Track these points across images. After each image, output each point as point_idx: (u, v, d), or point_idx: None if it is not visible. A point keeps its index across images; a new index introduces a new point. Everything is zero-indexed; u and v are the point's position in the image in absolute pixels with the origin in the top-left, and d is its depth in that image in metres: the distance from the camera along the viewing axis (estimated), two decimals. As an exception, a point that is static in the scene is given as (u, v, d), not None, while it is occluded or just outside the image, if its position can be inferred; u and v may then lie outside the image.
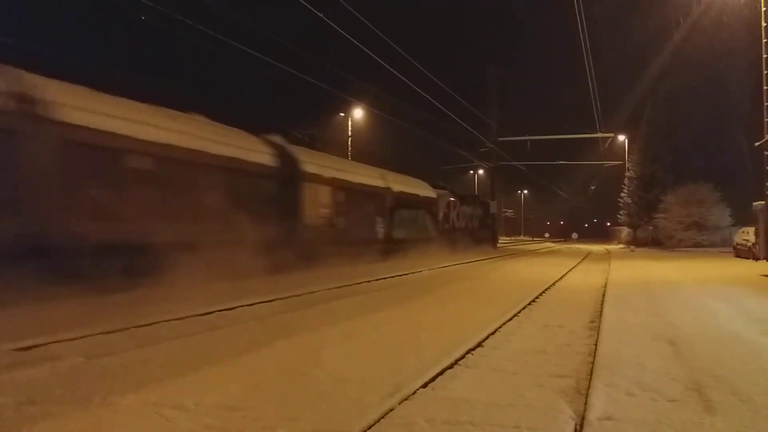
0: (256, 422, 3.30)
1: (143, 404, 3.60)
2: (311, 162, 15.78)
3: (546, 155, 52.77)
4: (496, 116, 38.69)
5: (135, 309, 7.20)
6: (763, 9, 16.75)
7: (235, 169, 12.44)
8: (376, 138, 35.39)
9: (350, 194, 17.47)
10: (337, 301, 8.84)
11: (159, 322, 6.45)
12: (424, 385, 4.03)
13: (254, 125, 14.63)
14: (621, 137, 42.75)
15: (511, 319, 7.07)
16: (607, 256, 27.47)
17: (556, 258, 25.08)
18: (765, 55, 17.05)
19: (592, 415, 3.36)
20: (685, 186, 38.65)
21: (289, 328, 6.25)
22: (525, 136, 38.48)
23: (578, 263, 20.40)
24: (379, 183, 20.05)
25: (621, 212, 47.51)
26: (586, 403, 3.61)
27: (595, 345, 5.40)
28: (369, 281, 11.89)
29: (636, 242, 42.50)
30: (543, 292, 10.21)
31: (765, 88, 17.16)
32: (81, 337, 5.55)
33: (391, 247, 19.83)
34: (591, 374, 4.33)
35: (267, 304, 8.31)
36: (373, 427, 3.21)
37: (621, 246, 47.43)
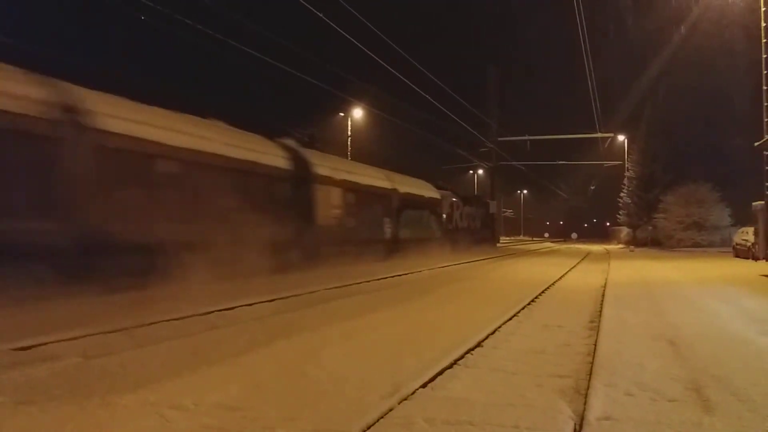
0: (256, 422, 3.29)
1: (142, 404, 3.59)
2: (323, 165, 16.31)
3: (546, 155, 52.90)
4: (496, 116, 38.74)
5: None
6: (763, 9, 16.75)
7: (252, 172, 13.03)
8: (375, 138, 35.44)
9: (359, 195, 18.03)
10: (337, 300, 8.83)
11: (158, 322, 6.45)
12: (424, 385, 4.03)
13: (254, 125, 14.74)
14: (620, 137, 42.84)
15: (510, 319, 7.07)
16: (607, 256, 27.48)
17: (556, 258, 25.09)
18: (765, 55, 17.05)
19: (592, 415, 3.36)
20: (685, 186, 38.68)
21: (289, 328, 6.25)
22: (525, 136, 38.53)
23: (578, 263, 20.40)
24: (386, 184, 20.59)
25: (620, 212, 47.53)
26: (585, 403, 3.61)
27: (595, 345, 5.40)
28: (370, 281, 11.99)
29: (635, 242, 42.52)
30: (542, 292, 10.21)
31: (765, 88, 17.16)
32: (80, 337, 5.54)
33: (397, 247, 20.41)
34: (590, 374, 4.33)
35: (267, 303, 8.31)
36: (372, 427, 3.21)
37: (620, 246, 47.45)
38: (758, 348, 5.35)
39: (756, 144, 18.15)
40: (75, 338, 5.50)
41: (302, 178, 15.12)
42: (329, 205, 16.30)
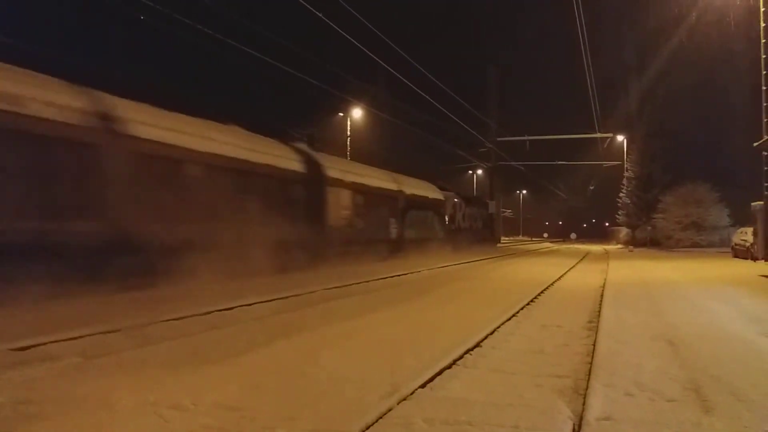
0: (255, 422, 3.29)
1: (141, 404, 3.59)
2: (334, 168, 17.06)
3: (545, 155, 52.85)
4: (495, 116, 38.75)
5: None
6: (762, 10, 16.76)
7: (269, 175, 13.68)
8: (375, 138, 35.41)
9: (368, 197, 18.71)
10: (336, 300, 8.84)
11: (157, 322, 6.44)
12: (423, 386, 4.03)
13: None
14: (620, 137, 42.80)
15: (509, 319, 7.07)
16: (606, 256, 27.49)
17: (555, 258, 25.10)
18: (764, 56, 17.06)
19: (591, 415, 3.36)
20: (684, 186, 38.70)
21: (288, 328, 6.25)
22: (524, 136, 38.54)
23: (577, 263, 20.41)
24: (392, 186, 21.28)
25: (619, 212, 47.52)
26: (584, 403, 3.61)
27: (594, 345, 5.40)
28: (375, 280, 12.29)
29: (634, 242, 42.52)
30: (542, 292, 10.22)
31: (764, 88, 17.17)
32: (79, 337, 5.54)
33: (402, 247, 21.04)
34: (589, 374, 4.33)
35: (266, 303, 8.31)
36: (371, 427, 3.21)
37: (619, 246, 47.47)
38: (757, 348, 5.36)
39: (755, 144, 18.16)
40: (74, 338, 5.49)
41: (315, 180, 15.77)
42: (340, 206, 16.95)
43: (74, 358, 4.87)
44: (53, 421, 3.30)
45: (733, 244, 25.37)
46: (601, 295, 9.51)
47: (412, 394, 3.82)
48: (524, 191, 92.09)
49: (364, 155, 28.40)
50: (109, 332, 5.85)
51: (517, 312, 7.63)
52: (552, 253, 31.23)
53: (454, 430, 3.21)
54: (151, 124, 10.44)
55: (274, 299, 8.61)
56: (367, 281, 11.88)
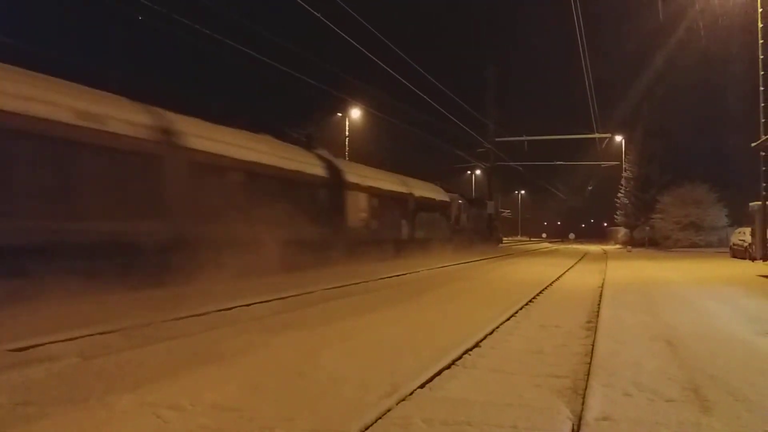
0: (253, 422, 3.29)
1: (139, 405, 3.59)
2: (351, 172, 18.29)
3: (543, 156, 52.84)
4: (494, 116, 38.73)
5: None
6: (760, 10, 16.79)
7: (297, 180, 14.96)
8: (374, 138, 35.41)
9: (382, 200, 19.96)
10: (336, 300, 8.84)
11: (155, 323, 6.43)
12: (422, 386, 4.02)
13: (254, 125, 15.04)
14: (618, 138, 42.72)
15: (509, 319, 7.08)
16: (604, 256, 27.52)
17: (554, 258, 25.13)
18: (762, 56, 17.08)
19: (590, 415, 3.36)
20: (682, 186, 38.76)
21: (288, 328, 6.25)
22: (522, 136, 38.53)
23: (575, 263, 20.43)
24: (403, 189, 22.50)
25: (618, 212, 47.62)
26: (583, 404, 3.62)
27: (593, 345, 5.41)
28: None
29: (633, 242, 42.57)
30: (541, 292, 10.22)
31: (762, 89, 17.19)
32: (78, 338, 5.53)
33: (411, 246, 22.19)
34: (588, 374, 4.33)
35: (265, 303, 8.31)
36: (370, 428, 3.21)
37: (618, 246, 47.53)
38: (756, 348, 5.36)
39: (753, 144, 18.18)
40: (73, 338, 5.48)
41: (336, 184, 17.03)
42: (357, 208, 18.27)
43: (73, 358, 4.86)
44: (52, 422, 3.29)
45: (732, 244, 25.40)
46: (600, 296, 9.52)
47: (411, 394, 3.82)
48: (523, 191, 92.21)
49: (363, 155, 28.44)
50: (108, 332, 5.85)
51: (516, 312, 7.63)
52: (551, 254, 31.25)
53: (453, 430, 3.20)
54: (202, 136, 11.75)
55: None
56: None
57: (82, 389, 3.93)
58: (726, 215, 38.08)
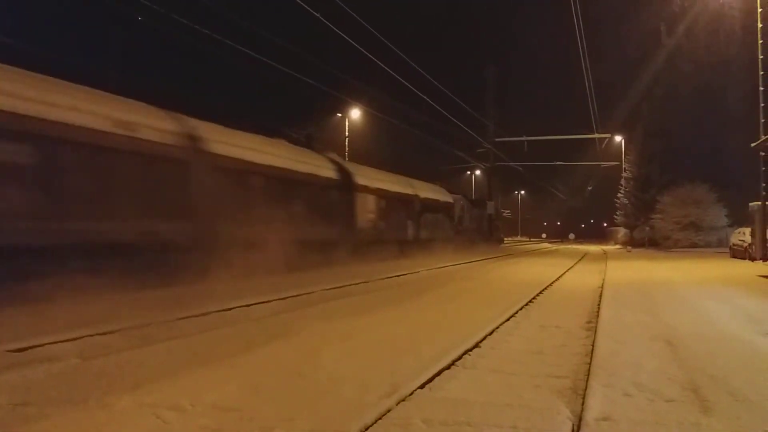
0: (253, 423, 3.29)
1: (139, 405, 3.59)
2: (360, 174, 18.90)
3: (543, 156, 52.84)
4: (494, 117, 38.76)
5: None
6: (760, 11, 16.79)
7: (308, 182, 15.47)
8: (373, 138, 35.41)
9: (389, 201, 20.63)
10: (335, 300, 8.84)
11: (154, 323, 6.43)
12: (422, 386, 4.02)
13: (253, 125, 15.12)
14: (618, 138, 42.74)
15: (508, 319, 7.08)
16: (604, 256, 27.52)
17: (554, 258, 25.13)
18: (761, 57, 17.09)
19: (589, 415, 3.36)
20: (682, 186, 38.73)
21: (288, 328, 6.24)
22: (522, 136, 38.54)
23: (575, 263, 20.43)
24: (409, 191, 23.14)
25: (618, 213, 47.59)
26: (583, 404, 3.61)
27: (592, 345, 5.41)
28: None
29: (633, 243, 42.56)
30: (540, 292, 10.22)
31: (761, 89, 17.20)
32: (78, 338, 5.53)
33: (417, 246, 22.86)
34: (588, 374, 4.33)
35: (266, 304, 8.31)
36: (370, 428, 3.21)
37: (618, 246, 47.53)
38: (755, 348, 5.36)
39: (752, 145, 18.19)
40: (73, 339, 5.48)
41: (346, 186, 17.66)
42: (366, 210, 18.93)
43: (72, 359, 4.86)
44: (52, 423, 3.30)
45: (731, 244, 25.39)
46: (600, 296, 9.52)
47: (411, 394, 3.82)
48: (522, 192, 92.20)
49: (362, 155, 28.43)
50: (109, 333, 5.85)
51: (516, 312, 7.63)
52: (550, 254, 31.25)
53: (452, 430, 3.20)
54: (222, 141, 12.33)
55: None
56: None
57: (82, 390, 3.93)
58: (726, 215, 38.06)
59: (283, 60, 16.23)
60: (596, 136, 36.67)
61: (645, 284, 11.97)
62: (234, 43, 14.66)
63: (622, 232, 51.14)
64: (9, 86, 8.01)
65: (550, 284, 11.78)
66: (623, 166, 44.89)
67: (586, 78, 27.29)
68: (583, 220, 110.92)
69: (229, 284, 9.99)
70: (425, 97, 22.47)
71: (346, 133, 32.45)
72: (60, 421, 3.32)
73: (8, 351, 4.95)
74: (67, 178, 8.79)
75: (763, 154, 18.35)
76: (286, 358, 4.90)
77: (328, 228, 15.89)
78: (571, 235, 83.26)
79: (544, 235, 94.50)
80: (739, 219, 31.12)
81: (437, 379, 4.27)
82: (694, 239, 37.63)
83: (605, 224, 78.73)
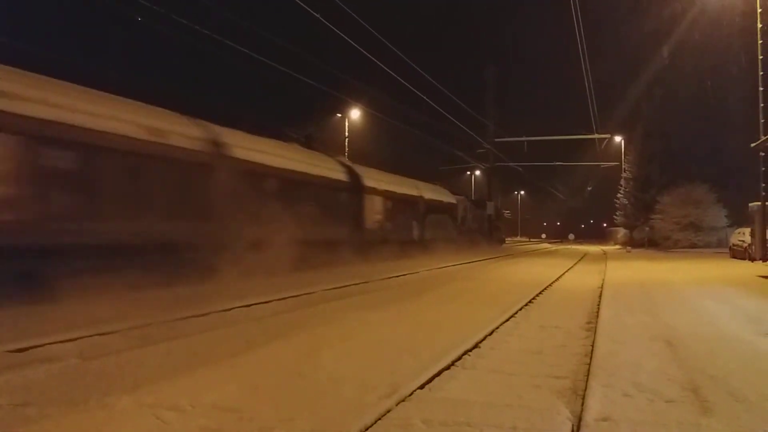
0: (253, 423, 3.29)
1: (139, 405, 3.59)
2: (369, 177, 19.62)
3: (543, 156, 52.91)
4: (493, 117, 38.77)
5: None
6: (759, 11, 16.80)
7: (321, 185, 16.25)
8: (373, 138, 35.41)
9: (396, 203, 21.38)
10: (336, 301, 8.84)
11: (153, 324, 6.43)
12: (422, 386, 4.03)
13: (252, 125, 15.22)
14: (617, 138, 42.75)
15: (508, 319, 7.08)
16: (604, 256, 27.51)
17: (554, 259, 25.12)
18: (761, 57, 17.10)
19: (589, 415, 3.36)
20: (682, 187, 38.68)
21: (287, 328, 6.25)
22: (522, 137, 38.56)
23: (575, 264, 20.43)
24: (414, 192, 23.81)
25: (617, 213, 47.54)
26: (582, 404, 3.62)
27: (592, 346, 5.41)
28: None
29: (632, 243, 42.54)
30: (540, 292, 10.22)
31: (761, 89, 17.21)
32: (77, 338, 5.53)
33: (422, 246, 23.42)
34: (588, 375, 4.33)
35: (266, 304, 8.31)
36: (370, 428, 3.21)
37: (617, 247, 47.50)
38: (755, 348, 5.36)
39: (752, 145, 18.19)
40: (73, 339, 5.48)
41: (355, 188, 18.35)
42: (374, 211, 19.67)
43: (73, 359, 4.86)
44: (52, 423, 3.30)
45: (731, 244, 25.38)
46: (600, 296, 9.52)
47: (411, 394, 3.82)
48: (522, 192, 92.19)
49: (362, 156, 28.42)
50: (109, 333, 5.85)
51: (516, 312, 7.63)
52: (550, 254, 31.25)
53: (452, 431, 3.21)
54: (242, 146, 13.03)
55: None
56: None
57: (82, 390, 3.93)
58: (725, 216, 38.04)
59: (283, 60, 16.26)
60: (596, 136, 36.73)
61: (645, 284, 11.97)
62: (234, 43, 14.67)
63: (621, 232, 51.12)
64: (60, 99, 8.70)
65: (550, 284, 11.78)
66: (623, 167, 44.88)
67: (585, 78, 27.35)
68: (583, 221, 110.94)
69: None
70: (425, 98, 22.52)
71: (346, 134, 32.44)
72: (60, 421, 3.32)
73: (8, 351, 4.95)
74: (109, 183, 9.54)
75: (763, 154, 18.36)
76: (286, 358, 4.90)
77: (338, 228, 16.51)
78: (571, 236, 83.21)
79: (543, 236, 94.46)
80: (738, 219, 31.11)
81: (437, 379, 4.27)
82: (693, 240, 37.60)
83: (605, 224, 78.72)
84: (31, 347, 5.12)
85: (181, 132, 11.15)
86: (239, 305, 7.81)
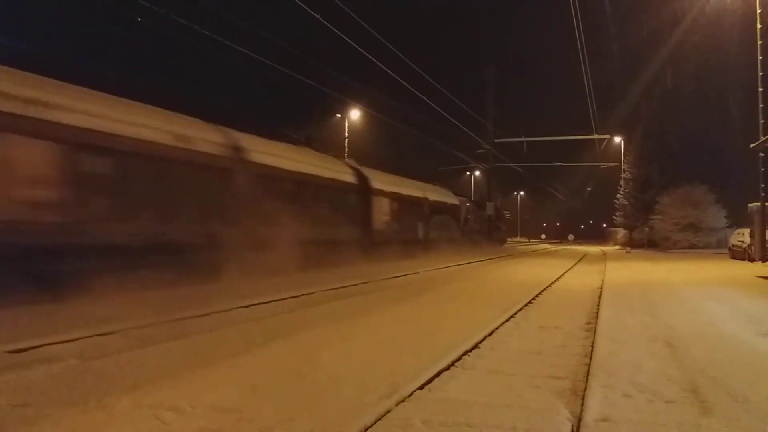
0: (253, 423, 3.29)
1: (139, 406, 3.58)
2: (376, 179, 20.16)
3: (542, 157, 52.93)
4: (493, 117, 38.77)
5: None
6: (759, 11, 16.82)
7: (331, 187, 16.76)
8: (373, 138, 35.42)
9: (401, 204, 21.91)
10: (337, 301, 8.84)
11: (154, 324, 6.43)
12: (421, 387, 4.02)
13: (252, 125, 15.33)
14: (617, 139, 42.71)
15: (508, 320, 7.08)
16: (603, 257, 27.52)
17: (553, 259, 25.13)
18: (760, 57, 17.11)
19: (589, 416, 3.36)
20: (681, 187, 38.72)
21: (287, 328, 6.24)
22: (521, 137, 38.56)
23: (575, 264, 20.44)
24: (419, 194, 24.33)
25: (617, 214, 47.56)
26: (582, 405, 3.62)
27: (592, 346, 5.41)
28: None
29: (632, 243, 42.56)
30: (540, 292, 10.22)
31: (760, 89, 17.21)
32: (77, 339, 5.52)
33: (427, 246, 23.96)
34: (587, 375, 4.33)
35: (266, 304, 8.31)
36: (370, 429, 3.21)
37: (617, 247, 47.52)
38: (755, 349, 5.36)
39: (752, 146, 18.21)
40: (73, 339, 5.48)
41: (363, 190, 18.88)
42: (381, 212, 20.21)
43: (72, 360, 4.86)
44: (51, 424, 3.29)
45: (731, 245, 25.40)
46: (599, 297, 9.52)
47: (410, 395, 3.82)
48: (522, 192, 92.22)
49: (362, 156, 28.41)
50: (109, 333, 5.85)
51: (516, 313, 7.63)
52: (550, 255, 31.25)
53: (452, 431, 3.21)
54: (258, 150, 13.51)
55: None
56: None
57: (82, 391, 3.93)
58: (725, 216, 38.08)
59: (282, 60, 16.28)
60: (595, 136, 36.70)
61: (644, 285, 11.97)
62: (234, 43, 14.68)
63: (621, 233, 51.13)
64: (99, 109, 9.28)
65: (550, 285, 11.78)
66: (622, 167, 44.88)
67: (585, 79, 27.36)
68: (583, 221, 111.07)
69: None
70: (424, 98, 22.51)
71: (346, 134, 32.44)
72: (59, 421, 3.32)
73: (8, 351, 4.95)
74: (143, 187, 10.12)
75: (762, 154, 18.37)
76: (286, 359, 4.90)
77: (346, 229, 17.05)
78: (571, 236, 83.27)
79: (543, 236, 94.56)
80: (738, 220, 31.14)
81: (437, 379, 4.27)
82: (693, 240, 37.62)
83: (604, 225, 78.74)
84: (31, 347, 5.12)
85: (203, 137, 11.68)
86: (240, 305, 7.81)
